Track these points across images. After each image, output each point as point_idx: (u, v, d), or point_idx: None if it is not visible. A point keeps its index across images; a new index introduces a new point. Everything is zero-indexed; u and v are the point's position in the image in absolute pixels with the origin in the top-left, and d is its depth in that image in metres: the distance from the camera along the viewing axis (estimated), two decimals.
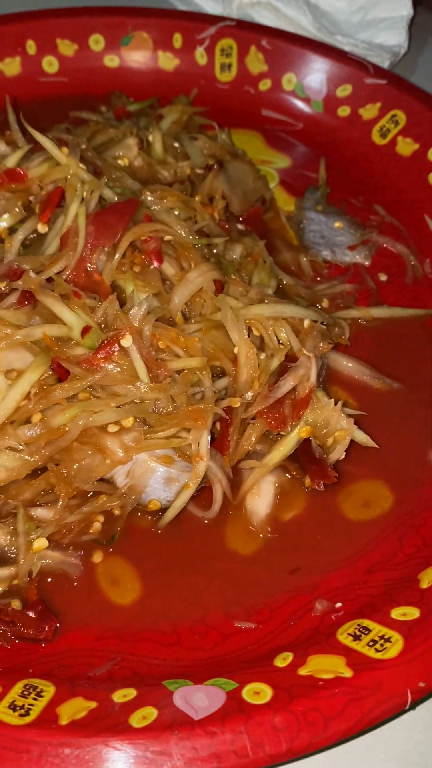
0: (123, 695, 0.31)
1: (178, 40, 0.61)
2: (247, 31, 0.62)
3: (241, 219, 0.51)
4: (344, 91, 0.59)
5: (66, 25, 0.60)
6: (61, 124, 0.55)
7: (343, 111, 0.59)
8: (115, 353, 0.38)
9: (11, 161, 0.44)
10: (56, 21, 0.60)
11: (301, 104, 0.61)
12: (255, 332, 0.42)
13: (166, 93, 0.60)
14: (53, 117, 0.57)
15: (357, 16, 0.70)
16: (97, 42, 0.61)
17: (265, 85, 0.61)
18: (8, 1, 0.67)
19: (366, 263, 0.51)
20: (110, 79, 0.61)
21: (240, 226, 0.51)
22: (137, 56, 0.62)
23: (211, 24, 0.62)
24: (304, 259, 0.51)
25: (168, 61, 0.62)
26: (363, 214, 0.54)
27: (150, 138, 0.52)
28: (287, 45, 0.61)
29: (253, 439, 0.40)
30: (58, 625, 0.35)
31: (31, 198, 0.44)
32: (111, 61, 0.61)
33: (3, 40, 0.59)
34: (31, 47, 0.60)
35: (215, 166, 0.50)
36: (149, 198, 0.45)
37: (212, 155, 0.52)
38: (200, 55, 0.62)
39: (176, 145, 0.53)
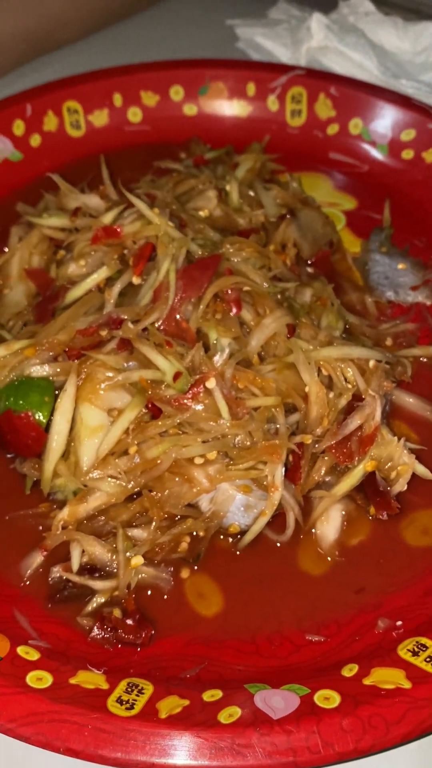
0: (211, 695, 0.37)
1: (251, 88, 0.66)
2: (316, 79, 0.66)
3: (310, 262, 0.56)
4: (408, 135, 0.63)
5: (149, 78, 0.66)
6: (146, 175, 0.61)
7: (407, 154, 0.63)
8: (201, 394, 0.44)
9: (108, 218, 0.50)
10: (140, 75, 0.66)
11: (367, 147, 0.65)
12: (324, 372, 0.47)
13: (240, 137, 0.65)
14: (138, 163, 0.63)
15: (421, 57, 0.73)
16: (177, 92, 0.66)
17: (332, 129, 0.66)
18: (95, 58, 0.73)
19: (428, 303, 0.55)
20: (189, 126, 0.66)
21: (309, 269, 0.56)
22: (214, 105, 0.67)
23: (283, 73, 0.66)
24: (369, 299, 0.55)
25: (242, 108, 0.67)
26: (426, 254, 0.58)
27: (227, 188, 0.57)
28: (354, 92, 0.65)
29: (323, 471, 0.44)
30: (153, 632, 0.40)
31: (125, 251, 0.50)
32: (189, 109, 0.67)
33: (93, 95, 0.65)
34: (117, 99, 0.65)
35: (287, 216, 0.55)
36: (229, 249, 0.51)
37: (284, 204, 0.57)
38: (272, 102, 0.66)
39: (251, 193, 0.58)
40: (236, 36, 0.76)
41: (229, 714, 0.35)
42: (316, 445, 0.44)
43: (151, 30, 0.78)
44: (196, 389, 0.43)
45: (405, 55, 0.74)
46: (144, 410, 0.43)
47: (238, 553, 0.43)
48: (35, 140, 0.63)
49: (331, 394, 0.46)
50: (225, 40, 0.76)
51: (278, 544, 0.44)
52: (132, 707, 0.35)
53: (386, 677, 0.37)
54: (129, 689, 0.37)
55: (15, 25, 0.69)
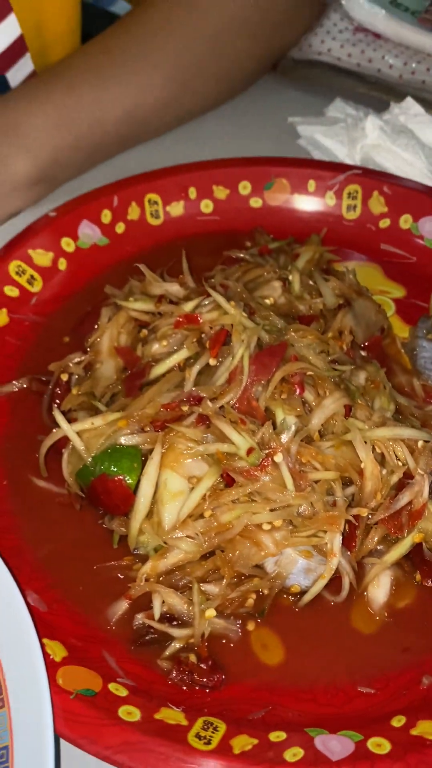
0: (276, 736, 0.42)
1: (312, 185, 0.74)
2: (370, 178, 0.73)
3: (363, 347, 0.63)
4: None
5: (221, 174, 0.74)
6: (216, 261, 0.68)
7: None
8: (269, 467, 0.50)
9: (189, 307, 0.57)
10: (213, 171, 0.74)
11: (416, 240, 0.72)
12: (377, 450, 0.53)
13: (300, 229, 0.72)
14: (209, 249, 0.70)
15: None
16: (245, 187, 0.74)
17: (384, 223, 0.73)
18: (171, 151, 0.82)
19: None
20: (254, 218, 0.74)
21: (363, 353, 0.62)
22: (277, 198, 0.74)
23: (341, 172, 0.74)
24: (417, 382, 0.61)
25: (302, 202, 0.74)
26: None
27: (290, 278, 0.64)
28: (404, 191, 0.72)
29: (375, 540, 0.50)
30: (223, 677, 0.46)
31: (202, 335, 0.57)
32: (255, 202, 0.74)
33: (171, 188, 0.73)
34: (192, 193, 0.73)
35: (344, 306, 0.62)
36: (293, 335, 0.57)
37: (341, 295, 0.63)
38: (330, 198, 0.74)
39: (310, 282, 0.65)
40: (297, 132, 0.84)
41: (293, 753, 0.40)
42: (370, 517, 0.50)
43: (220, 125, 0.86)
44: (265, 462, 0.49)
45: None
46: (219, 479, 0.50)
47: (297, 610, 0.49)
48: (120, 227, 0.71)
49: (384, 471, 0.52)
50: (288, 135, 0.84)
51: (333, 604, 0.49)
52: (209, 743, 0.41)
53: (431, 729, 0.42)
54: (205, 726, 0.42)
55: (115, 130, 0.78)
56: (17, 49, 0.83)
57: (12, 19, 0.80)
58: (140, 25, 0.82)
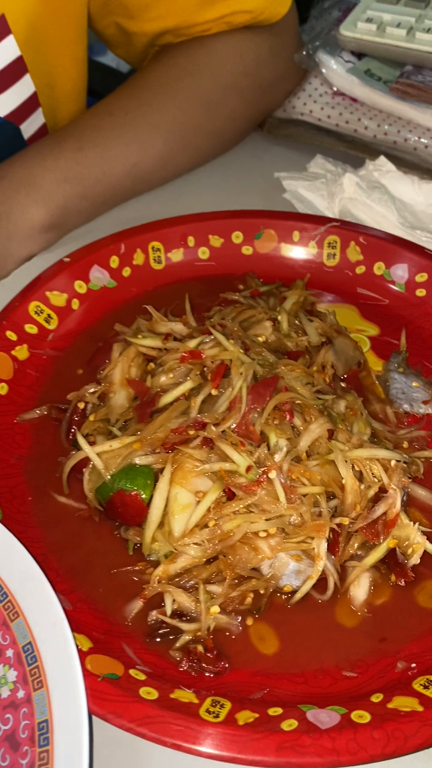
0: (274, 711, 0.49)
1: (296, 235, 0.83)
2: (348, 229, 0.82)
3: (343, 379, 0.71)
4: (422, 277, 0.79)
5: (216, 225, 0.82)
6: (213, 302, 0.77)
7: (420, 292, 0.79)
8: (264, 482, 0.58)
9: (192, 344, 0.66)
10: (209, 222, 0.82)
11: (388, 285, 0.81)
12: (356, 468, 0.61)
13: (287, 274, 0.81)
14: (205, 291, 0.79)
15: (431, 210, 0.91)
16: (237, 236, 0.83)
17: (360, 269, 0.82)
18: (168, 202, 0.91)
19: None
20: (245, 264, 0.82)
21: (342, 384, 0.71)
22: (266, 247, 0.83)
23: (322, 224, 0.83)
24: (390, 410, 0.70)
25: (288, 251, 0.83)
26: None
27: (279, 318, 0.73)
28: (378, 241, 0.81)
29: (356, 546, 0.58)
30: (227, 665, 0.53)
31: (204, 368, 0.65)
32: (247, 250, 0.83)
33: (172, 237, 0.81)
34: (191, 241, 0.82)
35: (326, 343, 0.71)
36: (284, 369, 0.66)
37: (324, 333, 0.72)
38: (312, 246, 0.83)
39: (297, 321, 0.74)
40: (282, 186, 0.94)
41: (289, 724, 0.48)
42: (351, 526, 0.58)
43: (214, 180, 0.96)
44: (261, 479, 0.57)
45: (420, 207, 0.92)
46: (222, 493, 0.57)
47: (289, 607, 0.56)
48: (126, 271, 0.79)
49: (362, 486, 0.60)
50: (274, 189, 0.93)
51: (320, 602, 0.57)
52: (218, 716, 0.48)
53: (404, 703, 0.49)
54: (213, 704, 0.49)
55: (118, 183, 0.87)
56: (31, 104, 0.92)
57: (27, 79, 0.89)
58: (140, 89, 0.91)
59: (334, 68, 0.99)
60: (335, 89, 1.01)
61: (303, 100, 1.02)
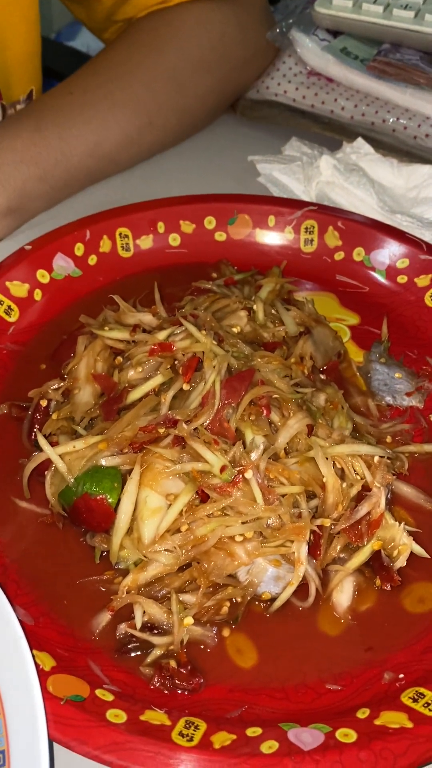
0: (253, 731, 0.45)
1: (272, 220, 0.79)
2: (326, 213, 0.79)
3: (322, 371, 0.68)
4: (403, 263, 0.76)
5: (188, 210, 0.78)
6: (184, 291, 0.72)
7: (402, 279, 0.76)
8: (240, 482, 0.54)
9: (162, 335, 0.61)
10: (180, 207, 0.78)
11: (368, 272, 0.77)
12: (338, 465, 0.57)
13: (262, 261, 0.77)
14: (177, 280, 0.74)
15: (412, 193, 0.87)
16: (210, 222, 0.79)
17: (339, 256, 0.78)
18: (137, 185, 0.87)
19: (420, 406, 0.66)
20: (219, 250, 0.78)
21: (322, 376, 0.67)
22: (240, 233, 0.79)
23: (298, 208, 0.79)
24: (372, 402, 0.66)
25: (264, 236, 0.79)
26: (417, 365, 0.69)
27: (254, 307, 0.69)
28: (357, 226, 0.78)
29: (338, 549, 0.54)
30: (202, 680, 0.49)
31: (175, 361, 0.61)
32: (220, 236, 0.79)
33: (141, 223, 0.77)
34: (161, 227, 0.78)
35: (304, 334, 0.67)
36: (260, 361, 0.62)
37: (302, 323, 0.68)
38: (288, 232, 0.79)
39: (273, 311, 0.70)
40: (257, 170, 0.90)
41: (269, 746, 0.44)
42: (333, 527, 0.54)
43: (184, 163, 0.91)
44: (236, 479, 0.53)
45: (399, 190, 0.88)
46: (195, 495, 0.53)
47: (268, 616, 0.53)
48: (92, 260, 0.75)
49: (344, 485, 0.56)
50: (248, 173, 0.89)
51: (301, 609, 0.53)
52: (191, 740, 0.44)
53: (392, 719, 0.46)
54: (187, 725, 0.45)
55: (80, 164, 0.82)
56: None
57: None
58: (102, 67, 0.88)
59: (309, 46, 0.95)
60: (310, 69, 0.97)
61: (277, 80, 0.98)
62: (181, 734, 0.44)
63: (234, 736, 0.45)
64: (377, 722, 0.45)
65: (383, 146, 0.93)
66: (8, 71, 0.92)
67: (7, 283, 0.70)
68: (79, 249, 0.74)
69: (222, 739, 0.44)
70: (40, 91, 1.00)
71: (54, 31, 2.07)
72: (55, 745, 0.45)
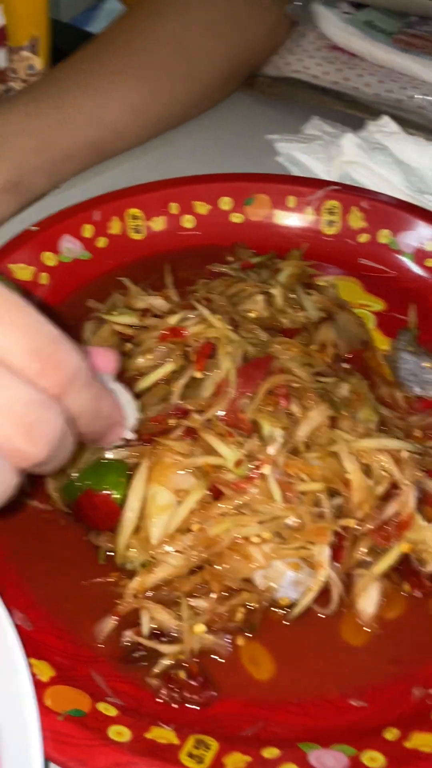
0: (269, 752, 0.41)
1: (291, 201, 0.75)
2: (349, 194, 0.74)
3: (345, 359, 0.63)
4: (431, 246, 0.71)
5: (202, 189, 0.74)
6: (198, 275, 0.68)
7: (430, 262, 0.71)
8: (256, 479, 0.50)
9: (174, 320, 0.57)
10: (194, 186, 0.74)
11: (394, 255, 0.72)
12: (363, 461, 0.53)
13: (281, 244, 0.72)
14: (191, 264, 0.70)
15: None
16: (225, 203, 0.75)
17: (363, 238, 0.73)
18: (149, 164, 0.83)
19: None
20: (235, 233, 0.74)
21: (345, 365, 0.63)
22: (258, 214, 0.75)
23: (319, 188, 0.75)
24: (399, 394, 0.62)
25: (282, 218, 0.75)
26: None
27: (272, 291, 0.64)
28: (383, 206, 0.73)
29: (363, 552, 0.50)
30: (215, 693, 0.45)
31: (187, 348, 0.57)
32: (236, 217, 0.75)
33: (152, 203, 0.73)
34: (173, 208, 0.74)
35: (327, 320, 0.62)
36: (278, 348, 0.58)
37: (323, 308, 0.64)
38: (309, 213, 0.75)
39: (292, 296, 0.66)
40: (275, 149, 0.85)
41: None
42: (358, 528, 0.50)
43: (199, 142, 0.87)
44: (253, 475, 0.49)
45: (427, 171, 0.83)
46: (207, 492, 0.49)
47: (287, 623, 0.49)
48: (102, 242, 0.71)
49: (370, 482, 0.52)
50: (266, 153, 0.85)
51: (323, 617, 0.49)
52: (202, 761, 0.40)
53: (425, 742, 0.41)
54: (197, 745, 0.41)
55: (80, 134, 0.78)
56: None
57: None
58: (100, 40, 0.85)
59: (332, 19, 0.90)
60: (332, 43, 0.92)
61: (297, 55, 0.93)
62: (190, 755, 0.40)
63: (249, 758, 0.41)
64: (407, 745, 0.41)
65: (410, 125, 0.87)
66: (14, 15, 0.88)
67: (11, 266, 0.66)
68: (87, 231, 0.70)
69: (235, 761, 0.40)
70: (47, 40, 0.95)
71: (68, 17, 2.04)
72: (51, 765, 0.41)
